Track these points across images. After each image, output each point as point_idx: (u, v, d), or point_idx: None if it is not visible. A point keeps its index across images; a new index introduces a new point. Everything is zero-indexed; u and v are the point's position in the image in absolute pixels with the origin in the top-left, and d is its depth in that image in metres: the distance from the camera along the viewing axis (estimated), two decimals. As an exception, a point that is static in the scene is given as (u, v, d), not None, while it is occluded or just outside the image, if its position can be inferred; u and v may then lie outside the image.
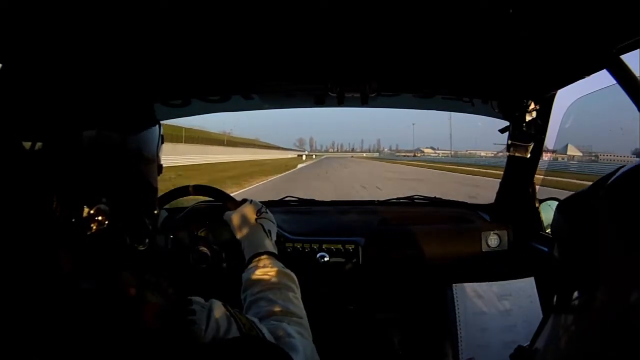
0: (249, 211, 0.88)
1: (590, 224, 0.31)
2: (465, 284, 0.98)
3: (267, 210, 0.91)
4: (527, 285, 0.99)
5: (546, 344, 0.35)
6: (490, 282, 0.99)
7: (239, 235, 0.86)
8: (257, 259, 0.77)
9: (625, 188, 0.30)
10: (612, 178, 0.32)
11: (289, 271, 0.76)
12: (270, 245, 0.82)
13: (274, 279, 0.71)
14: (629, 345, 0.25)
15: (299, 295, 0.73)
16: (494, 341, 0.94)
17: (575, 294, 0.31)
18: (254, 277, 0.72)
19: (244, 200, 0.94)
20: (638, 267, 0.26)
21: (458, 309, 0.96)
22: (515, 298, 0.98)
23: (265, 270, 0.73)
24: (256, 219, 0.86)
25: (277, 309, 0.65)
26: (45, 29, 0.66)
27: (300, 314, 0.67)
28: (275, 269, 0.74)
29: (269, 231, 0.86)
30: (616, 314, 0.27)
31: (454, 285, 0.98)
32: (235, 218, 0.88)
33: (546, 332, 0.35)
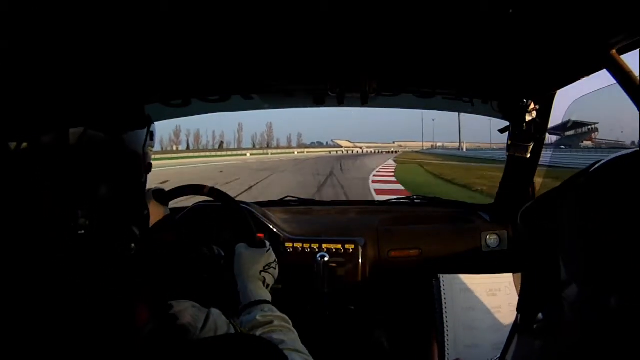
0: (260, 260, 0.87)
1: (554, 230, 0.31)
2: (453, 275, 0.92)
3: (276, 266, 0.91)
4: (517, 280, 0.93)
5: None
6: (480, 275, 0.93)
7: (238, 275, 0.86)
8: (255, 306, 0.78)
9: (600, 182, 0.30)
10: (583, 176, 0.31)
11: (285, 316, 0.77)
12: (267, 296, 0.83)
13: (276, 322, 0.72)
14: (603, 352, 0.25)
15: (298, 337, 0.74)
16: (482, 342, 0.88)
17: (539, 315, 0.30)
18: (254, 322, 0.73)
19: (262, 241, 0.93)
20: (612, 268, 0.26)
21: (445, 302, 0.90)
22: (505, 294, 0.93)
23: (265, 314, 0.74)
24: (261, 272, 0.86)
25: (284, 346, 0.65)
26: (44, 27, 0.66)
27: (306, 353, 0.68)
28: (274, 313, 0.75)
29: (268, 285, 0.87)
30: (579, 330, 0.27)
31: (440, 275, 0.91)
32: (244, 258, 0.87)
33: (512, 350, 0.35)
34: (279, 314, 0.76)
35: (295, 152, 65.51)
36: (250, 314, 0.75)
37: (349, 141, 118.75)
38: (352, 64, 1.00)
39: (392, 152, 71.38)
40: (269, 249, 0.91)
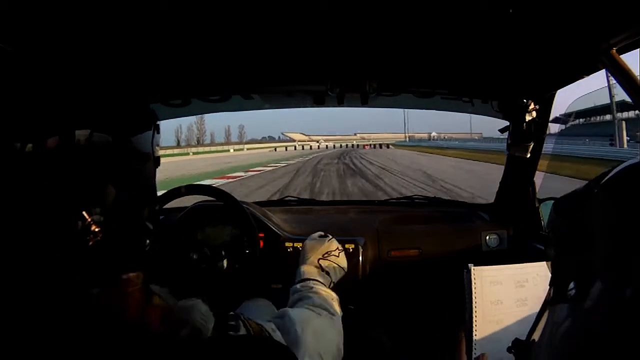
0: (319, 248, 0.89)
1: (585, 222, 0.31)
2: (483, 267, 0.88)
3: (339, 254, 0.90)
4: (543, 271, 0.87)
5: (542, 336, 0.35)
6: (508, 265, 0.90)
7: (299, 264, 0.88)
8: (300, 282, 0.81)
9: (623, 185, 0.30)
10: (610, 175, 0.31)
11: (330, 291, 0.80)
12: (318, 276, 0.84)
13: (315, 288, 0.77)
14: (621, 339, 0.25)
15: (334, 299, 0.77)
16: (506, 335, 0.84)
17: (571, 285, 0.31)
18: (295, 291, 0.78)
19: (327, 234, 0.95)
20: (633, 265, 0.26)
21: (475, 296, 0.86)
22: (532, 285, 0.90)
23: (305, 284, 0.79)
24: (319, 259, 0.87)
25: (308, 303, 0.71)
26: (45, 27, 0.66)
27: (332, 312, 0.72)
28: (316, 286, 0.79)
29: (328, 273, 0.86)
30: (610, 308, 0.27)
31: (471, 267, 0.87)
32: (305, 248, 0.91)
33: (541, 325, 0.35)
34: (321, 287, 0.78)
35: (231, 150, 49.30)
36: (294, 289, 0.79)
37: (302, 134, 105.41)
38: (352, 64, 1.00)
39: (382, 145, 51.44)
40: (331, 238, 0.92)
